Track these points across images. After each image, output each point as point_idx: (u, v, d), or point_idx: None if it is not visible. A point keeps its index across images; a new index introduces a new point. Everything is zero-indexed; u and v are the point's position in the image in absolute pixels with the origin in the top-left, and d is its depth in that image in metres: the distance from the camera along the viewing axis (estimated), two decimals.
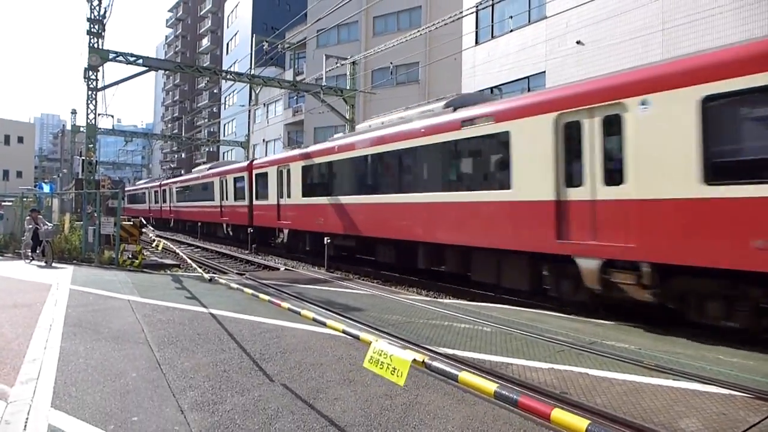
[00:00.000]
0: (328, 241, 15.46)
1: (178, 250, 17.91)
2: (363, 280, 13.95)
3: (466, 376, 2.62)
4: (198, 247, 25.33)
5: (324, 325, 4.47)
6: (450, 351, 6.25)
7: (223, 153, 60.21)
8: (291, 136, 45.24)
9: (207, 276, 11.40)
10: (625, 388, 5.07)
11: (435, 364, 2.78)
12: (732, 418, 4.36)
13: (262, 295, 6.75)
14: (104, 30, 17.91)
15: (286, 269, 15.75)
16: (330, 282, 12.67)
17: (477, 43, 23.74)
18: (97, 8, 17.77)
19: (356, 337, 3.72)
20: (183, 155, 78.79)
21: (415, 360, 2.81)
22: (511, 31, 21.72)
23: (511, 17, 21.65)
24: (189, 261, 15.53)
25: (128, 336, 6.93)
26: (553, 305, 9.52)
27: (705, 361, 5.97)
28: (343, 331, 3.94)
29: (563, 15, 18.46)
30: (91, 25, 17.74)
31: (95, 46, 17.83)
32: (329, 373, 5.44)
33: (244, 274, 13.92)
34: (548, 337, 7.04)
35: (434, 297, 11.27)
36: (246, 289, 7.50)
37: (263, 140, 48.65)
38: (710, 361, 5.99)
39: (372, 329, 7.35)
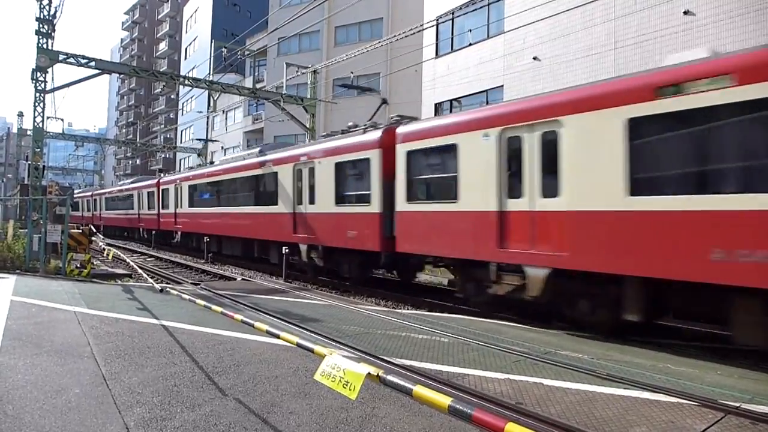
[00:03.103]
0: (286, 250, 15.25)
1: (128, 259, 17.30)
2: (321, 290, 13.79)
3: (420, 390, 2.58)
4: (151, 256, 24.58)
5: (277, 337, 4.37)
6: (407, 362, 6.22)
7: (180, 159, 58.83)
8: (251, 143, 44.62)
9: (158, 286, 11.04)
10: (578, 398, 5.14)
11: (390, 377, 2.73)
12: (680, 426, 4.48)
13: (214, 307, 6.57)
14: (54, 30, 17.26)
15: (243, 279, 15.43)
16: (287, 292, 12.47)
17: (437, 55, 24.05)
18: (47, 8, 17.12)
19: (310, 350, 3.64)
20: (138, 161, 76.61)
21: (369, 374, 2.76)
22: (471, 45, 22.11)
23: (470, 30, 22.07)
24: (140, 271, 15.01)
25: (73, 350, 6.61)
26: (509, 315, 9.65)
27: (654, 371, 6.14)
28: (297, 344, 3.85)
29: (520, 31, 18.94)
30: (41, 25, 17.07)
31: (44, 46, 17.16)
32: (284, 385, 5.32)
33: (199, 284, 13.55)
34: (504, 347, 7.11)
35: (392, 307, 11.24)
36: (198, 301, 7.28)
37: (222, 147, 47.81)
38: (659, 371, 6.15)
39: (329, 340, 7.25)
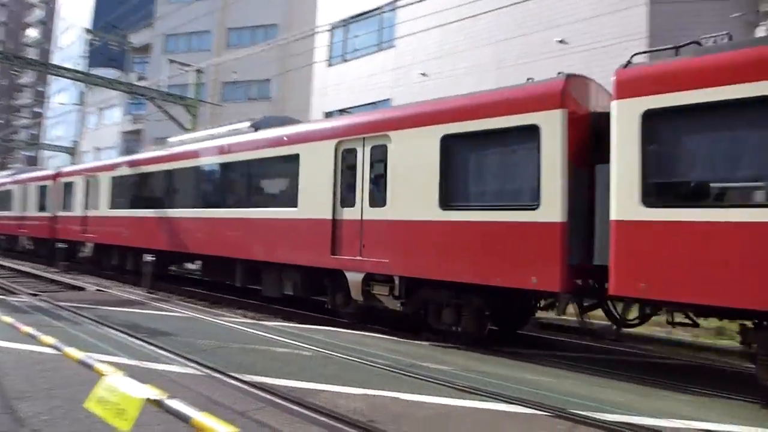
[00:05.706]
0: (153, 258, 13.91)
1: None
2: (186, 301, 12.69)
3: (202, 419, 2.06)
4: None
5: (59, 350, 3.61)
6: (259, 379, 5.62)
7: (47, 158, 53.25)
8: (128, 144, 41.33)
9: None
10: (434, 413, 4.86)
11: (169, 402, 2.18)
12: None
13: (5, 318, 5.50)
14: None
15: (97, 290, 13.79)
16: (145, 304, 11.26)
17: (330, 65, 23.78)
18: None
19: (90, 367, 2.95)
20: None
21: (149, 399, 2.18)
22: (361, 56, 22.15)
23: (357, 36, 22.14)
24: None
25: None
26: (381, 327, 9.34)
27: (513, 381, 6.03)
28: (80, 361, 3.14)
29: (410, 47, 19.23)
30: None
31: None
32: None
33: (39, 295, 11.85)
34: (368, 360, 6.73)
35: (260, 320, 10.49)
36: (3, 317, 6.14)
37: (95, 147, 43.93)
38: (517, 381, 6.06)
39: (176, 356, 6.45)
